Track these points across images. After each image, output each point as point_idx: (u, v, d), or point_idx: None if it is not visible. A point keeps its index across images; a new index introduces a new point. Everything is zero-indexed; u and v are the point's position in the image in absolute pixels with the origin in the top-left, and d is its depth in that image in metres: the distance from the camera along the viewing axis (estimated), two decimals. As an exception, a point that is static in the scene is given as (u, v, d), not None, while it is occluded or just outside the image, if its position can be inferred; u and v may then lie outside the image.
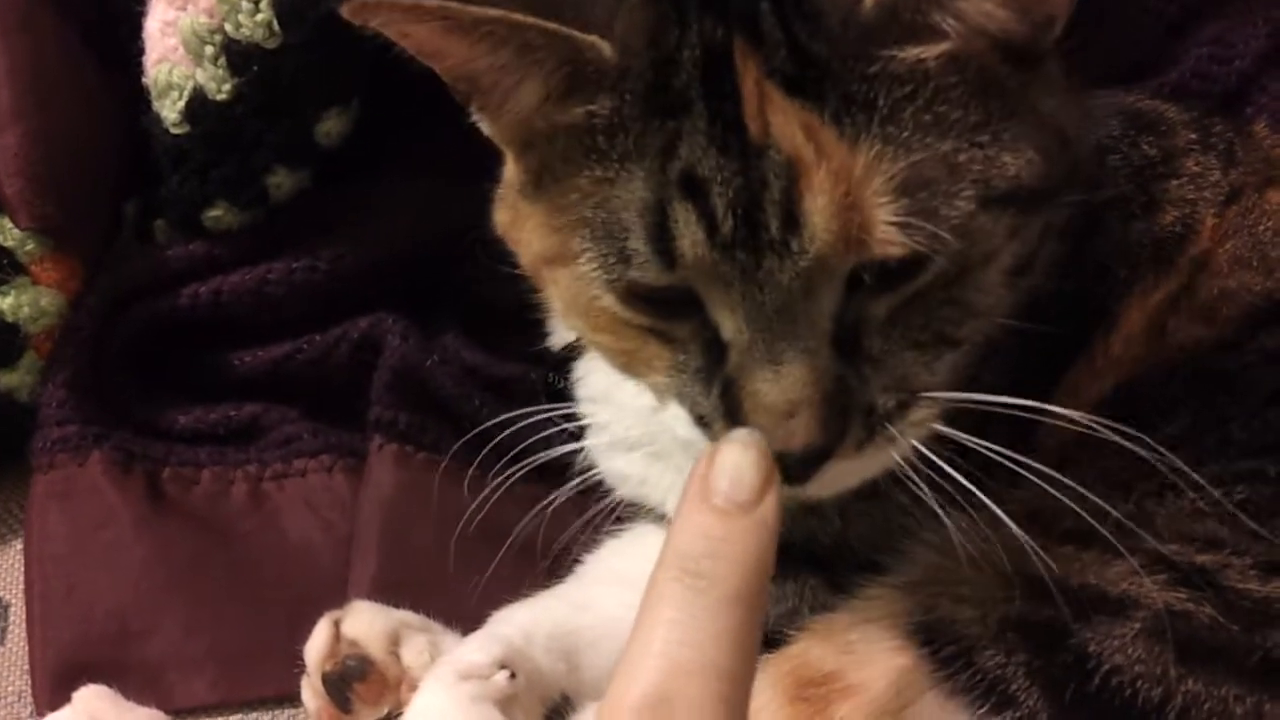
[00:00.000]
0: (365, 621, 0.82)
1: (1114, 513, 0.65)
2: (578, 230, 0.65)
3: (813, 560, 0.79)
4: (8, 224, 1.00)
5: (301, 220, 1.03)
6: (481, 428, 0.95)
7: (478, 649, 0.78)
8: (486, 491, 0.92)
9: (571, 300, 0.69)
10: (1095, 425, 0.66)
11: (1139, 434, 0.65)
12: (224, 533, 0.97)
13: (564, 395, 0.90)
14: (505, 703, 0.75)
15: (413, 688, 0.78)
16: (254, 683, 0.89)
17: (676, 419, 0.68)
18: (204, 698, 0.89)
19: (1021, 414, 0.67)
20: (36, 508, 0.96)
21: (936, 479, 0.66)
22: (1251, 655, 0.61)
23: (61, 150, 1.00)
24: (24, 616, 0.93)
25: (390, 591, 0.87)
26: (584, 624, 0.84)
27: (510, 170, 0.73)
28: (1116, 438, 0.66)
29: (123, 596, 0.92)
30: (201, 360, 1.04)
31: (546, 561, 0.91)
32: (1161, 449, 0.65)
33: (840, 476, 0.66)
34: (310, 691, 0.82)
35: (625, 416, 0.86)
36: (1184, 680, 0.60)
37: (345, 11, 0.63)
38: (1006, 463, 0.65)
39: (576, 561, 0.91)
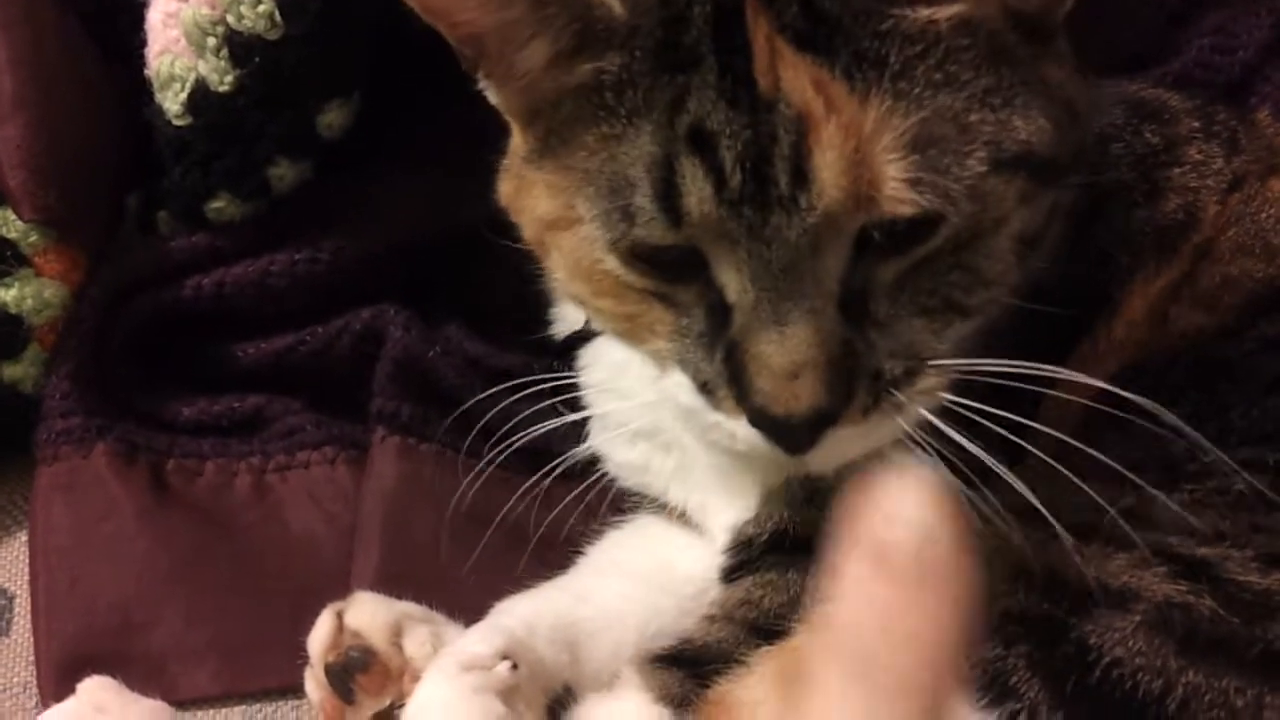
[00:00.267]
0: (368, 613, 0.82)
1: (1109, 510, 0.65)
2: (582, 190, 0.65)
3: (813, 550, 0.79)
4: (11, 216, 1.00)
5: (304, 212, 1.03)
6: (485, 420, 0.95)
7: (480, 640, 0.78)
8: (487, 482, 0.92)
9: (574, 265, 0.69)
10: (1105, 400, 0.66)
11: (1153, 408, 0.65)
12: (227, 524, 0.97)
13: (567, 385, 0.90)
14: (507, 694, 0.75)
15: (415, 679, 0.78)
16: (257, 674, 0.90)
17: (679, 386, 0.68)
18: (207, 689, 0.90)
19: (1024, 395, 0.66)
20: (41, 499, 0.96)
21: (946, 454, 0.65)
22: (1252, 647, 0.61)
23: (64, 142, 1.00)
24: (29, 608, 0.93)
25: (393, 583, 0.87)
26: (586, 615, 0.84)
27: (515, 140, 0.73)
28: (1135, 401, 0.65)
29: (126, 588, 0.92)
30: (204, 352, 1.04)
31: (552, 553, 0.91)
32: (1182, 424, 0.65)
33: (844, 445, 0.65)
34: (313, 682, 0.82)
35: (630, 404, 0.86)
36: (1184, 672, 0.60)
37: None
38: (1013, 438, 0.65)
39: (578, 553, 0.92)
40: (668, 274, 0.66)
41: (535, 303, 0.95)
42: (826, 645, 0.44)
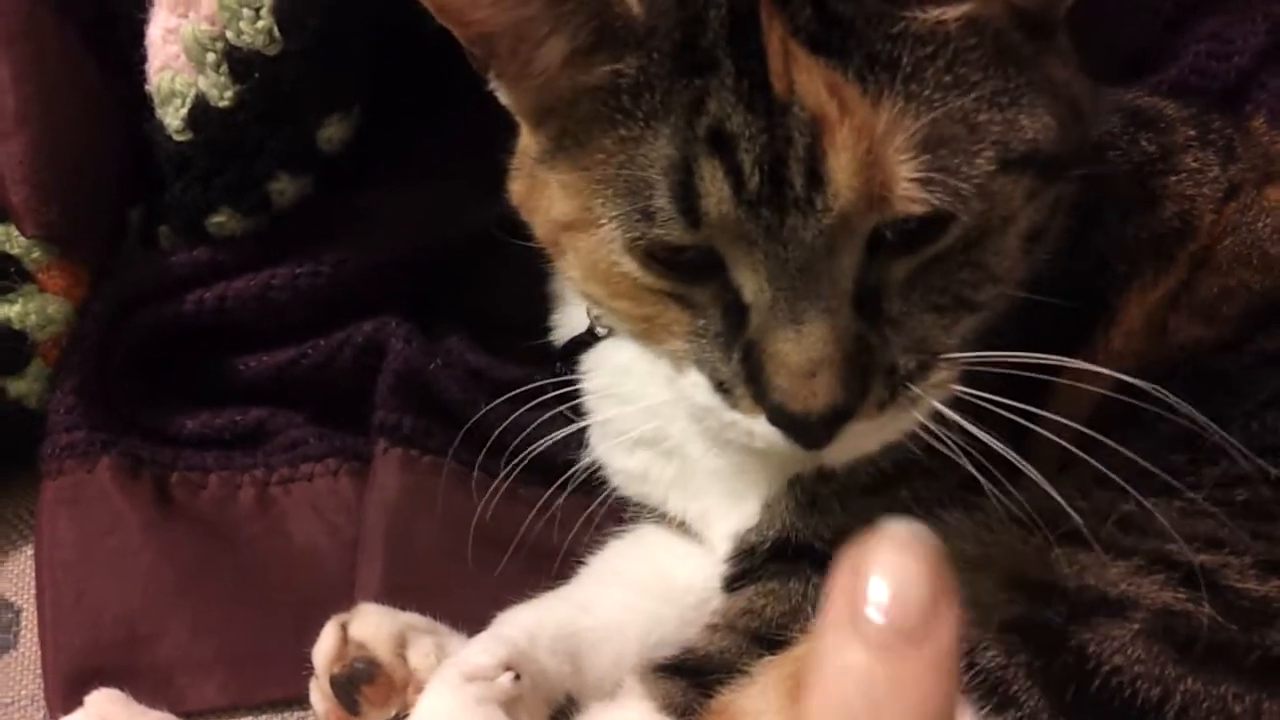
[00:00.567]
0: (372, 624, 0.83)
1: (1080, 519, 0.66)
2: (600, 192, 0.65)
3: (815, 557, 0.79)
4: (13, 232, 1.00)
5: (304, 226, 1.03)
6: (488, 432, 0.96)
7: (482, 651, 0.78)
8: (491, 493, 0.93)
9: (590, 267, 0.69)
10: (1103, 409, 0.67)
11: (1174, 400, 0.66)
12: (231, 537, 0.97)
13: (569, 394, 0.90)
14: (510, 704, 0.75)
15: (419, 689, 0.79)
16: (262, 685, 0.90)
17: (695, 386, 0.68)
18: (213, 701, 0.90)
19: (1030, 393, 0.67)
20: (46, 514, 0.96)
21: (960, 444, 0.66)
22: (1250, 654, 0.61)
23: (66, 157, 1.01)
24: (35, 621, 0.93)
25: (396, 594, 0.88)
26: (588, 625, 0.85)
27: (526, 140, 0.73)
28: (1165, 397, 0.66)
29: (132, 601, 0.92)
30: (207, 365, 1.05)
31: (554, 563, 0.92)
32: (1211, 424, 0.66)
33: (860, 439, 0.66)
34: (318, 694, 0.82)
35: (632, 411, 0.87)
36: (1183, 680, 0.61)
37: None
38: (1025, 424, 0.66)
39: (580, 563, 0.92)
40: (685, 275, 0.66)
41: (536, 312, 0.96)
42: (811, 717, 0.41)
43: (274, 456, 1.01)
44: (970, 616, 0.66)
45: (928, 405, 0.66)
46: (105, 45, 1.05)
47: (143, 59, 1.00)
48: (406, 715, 0.78)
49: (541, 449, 0.91)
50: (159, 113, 1.00)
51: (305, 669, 0.83)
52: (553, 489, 0.90)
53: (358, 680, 0.81)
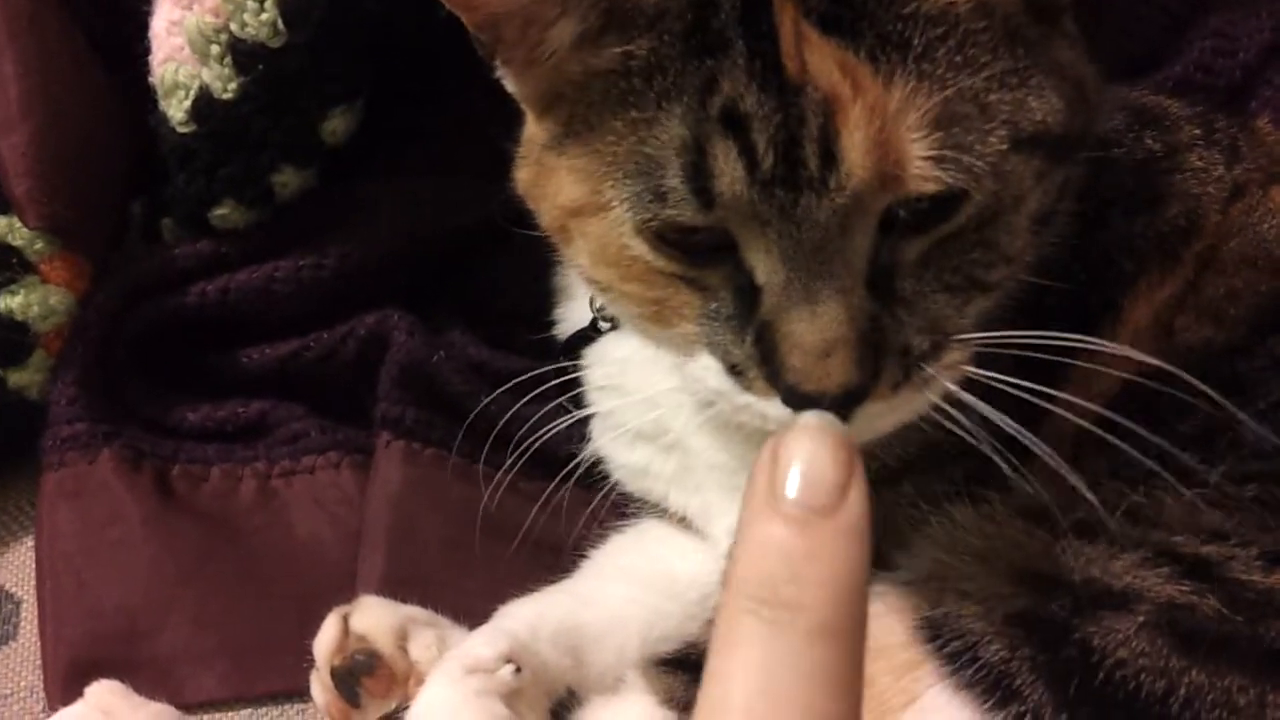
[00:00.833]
0: (373, 616, 0.83)
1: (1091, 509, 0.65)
2: (611, 175, 0.65)
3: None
4: (16, 223, 1.00)
5: (308, 218, 1.03)
6: (491, 424, 0.96)
7: (484, 643, 0.78)
8: (493, 486, 0.92)
9: (600, 251, 0.69)
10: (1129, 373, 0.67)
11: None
12: (233, 529, 0.97)
13: (572, 386, 0.90)
14: (510, 696, 0.75)
15: (420, 682, 0.79)
16: (263, 678, 0.90)
17: (706, 369, 0.68)
18: (214, 693, 0.90)
19: (1032, 398, 0.67)
20: (46, 505, 0.96)
21: (971, 429, 0.66)
22: (1255, 646, 0.61)
23: (69, 150, 1.01)
24: (35, 613, 0.93)
25: (398, 587, 0.88)
26: (589, 619, 0.85)
27: (532, 129, 0.73)
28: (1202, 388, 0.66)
29: (132, 593, 0.92)
30: (209, 358, 1.04)
31: (555, 556, 0.91)
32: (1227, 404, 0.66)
33: (875, 420, 0.65)
34: (319, 686, 0.82)
35: (633, 405, 0.87)
36: (1187, 672, 0.60)
37: None
38: (1042, 404, 0.66)
39: (582, 557, 0.92)
40: (696, 257, 0.66)
41: (538, 305, 0.96)
42: (733, 596, 0.44)
43: (276, 449, 1.01)
44: (974, 610, 0.66)
45: (941, 386, 0.66)
46: (109, 38, 1.05)
47: (146, 51, 1.00)
48: (407, 707, 0.78)
49: (543, 442, 0.91)
50: (162, 105, 1.00)
51: (306, 661, 0.83)
52: (555, 482, 0.90)
53: (358, 672, 0.81)
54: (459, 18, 0.68)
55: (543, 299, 0.96)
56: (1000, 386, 0.66)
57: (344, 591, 0.88)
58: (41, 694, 0.90)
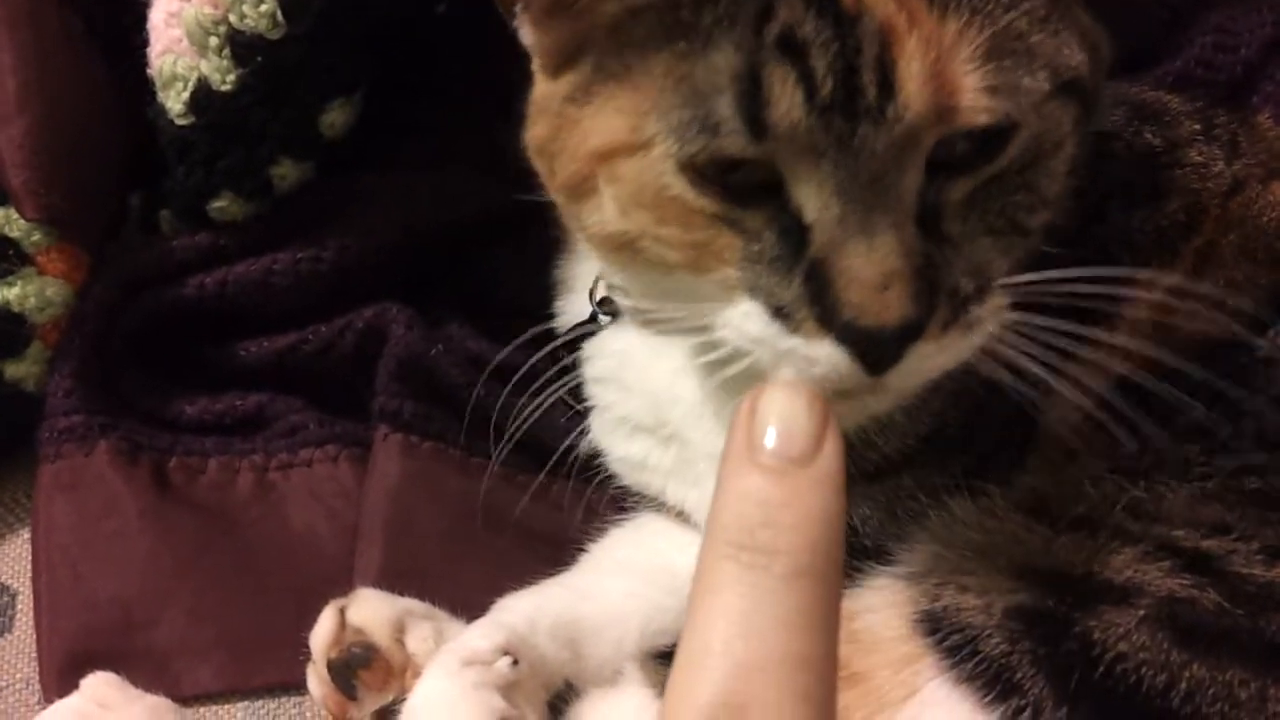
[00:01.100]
0: (370, 609, 0.83)
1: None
2: (655, 110, 0.64)
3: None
4: (14, 215, 1.00)
5: (306, 211, 1.03)
6: (488, 416, 0.95)
7: (481, 636, 0.78)
8: (490, 479, 0.92)
9: (636, 193, 0.67)
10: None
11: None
12: (230, 522, 0.97)
13: (571, 380, 0.90)
14: (508, 689, 0.75)
15: (417, 674, 0.78)
16: (260, 670, 0.89)
17: (747, 315, 0.65)
18: (210, 685, 0.89)
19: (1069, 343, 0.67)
20: (43, 497, 0.96)
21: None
22: (1256, 640, 0.61)
23: (67, 141, 1.00)
24: (31, 605, 0.93)
25: (396, 579, 0.87)
26: (587, 612, 0.84)
27: (546, 86, 0.72)
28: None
29: (129, 585, 0.92)
30: (207, 350, 1.04)
31: (554, 550, 0.91)
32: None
33: (924, 361, 0.63)
34: (316, 679, 0.82)
35: (632, 398, 0.86)
36: (1188, 666, 0.61)
37: None
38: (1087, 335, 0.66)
39: (581, 550, 0.92)
40: (736, 198, 0.65)
41: (537, 298, 0.96)
42: (712, 544, 0.46)
43: (273, 442, 1.00)
44: (974, 604, 0.66)
45: (986, 330, 0.65)
46: (107, 29, 1.05)
47: (144, 43, 1.00)
48: (404, 700, 0.78)
49: (542, 435, 0.91)
50: (160, 97, 1.00)
51: (303, 654, 0.83)
52: (547, 472, 0.89)
53: (355, 665, 0.80)
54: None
55: (541, 292, 0.96)
56: (990, 394, 0.66)
57: (341, 584, 0.88)
58: (37, 686, 0.90)
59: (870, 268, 0.61)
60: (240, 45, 0.94)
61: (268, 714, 0.89)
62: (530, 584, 0.86)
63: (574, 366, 0.90)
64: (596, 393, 0.89)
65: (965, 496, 0.73)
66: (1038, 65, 0.63)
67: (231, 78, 0.96)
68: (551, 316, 0.94)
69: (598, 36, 0.67)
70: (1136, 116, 0.85)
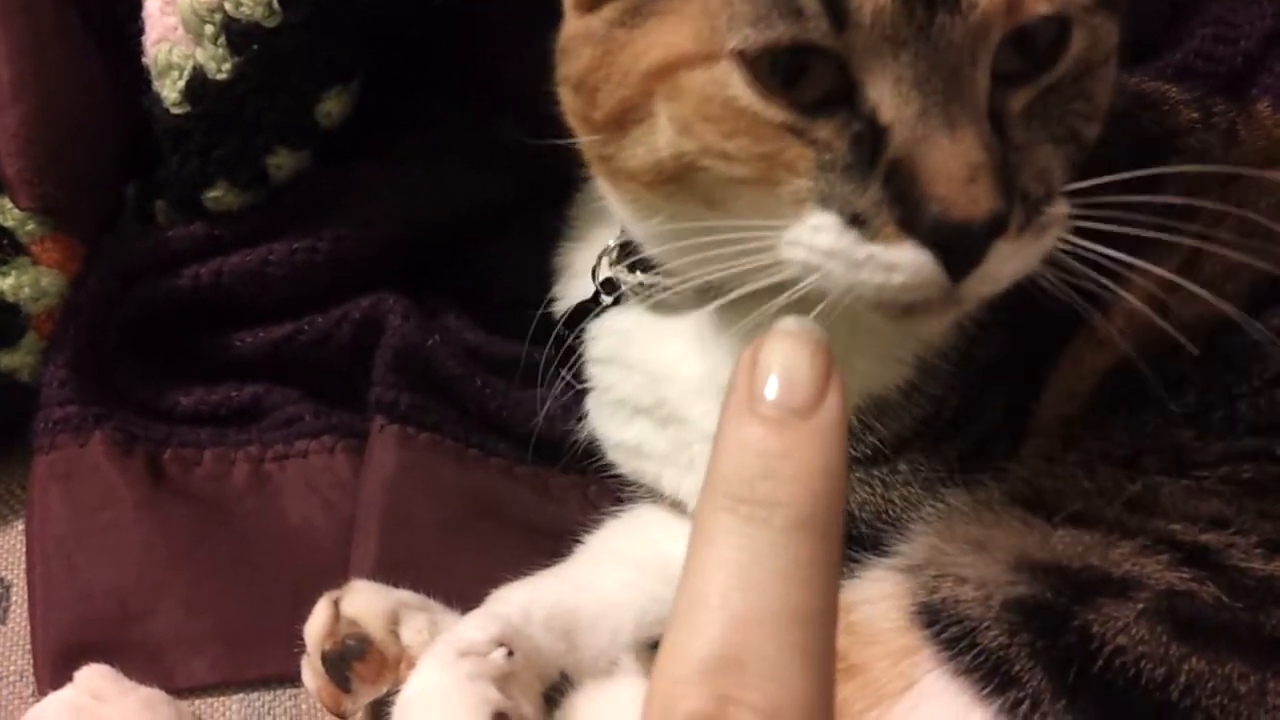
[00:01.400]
0: (364, 601, 0.82)
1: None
2: (726, 8, 0.63)
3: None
4: (8, 204, 0.99)
5: (302, 201, 1.02)
6: (490, 411, 0.95)
7: (476, 627, 0.78)
8: (487, 470, 0.92)
9: (702, 105, 0.66)
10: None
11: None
12: (225, 513, 0.96)
13: (569, 363, 0.89)
14: (503, 680, 0.75)
15: (412, 666, 0.78)
16: (255, 662, 0.89)
17: (817, 229, 0.64)
18: (205, 677, 0.89)
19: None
20: (38, 488, 0.95)
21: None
22: (1255, 634, 0.61)
23: (62, 131, 1.00)
24: (25, 597, 0.93)
25: (391, 571, 0.87)
26: (583, 603, 0.84)
27: (582, 22, 0.71)
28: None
29: (124, 577, 0.91)
30: (202, 341, 1.04)
31: (550, 541, 0.91)
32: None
33: (1002, 263, 0.63)
34: (310, 671, 0.82)
35: (633, 378, 0.86)
36: (1187, 659, 0.60)
37: None
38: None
39: (577, 541, 0.91)
40: (804, 107, 0.64)
41: (534, 289, 0.95)
42: (710, 495, 0.45)
43: (269, 433, 1.00)
44: (972, 596, 0.66)
45: (1055, 234, 0.65)
46: (102, 18, 1.05)
47: (140, 32, 1.00)
48: (399, 691, 0.77)
49: (538, 426, 0.91)
50: (156, 85, 0.99)
51: (297, 646, 0.82)
52: (544, 464, 0.89)
53: (349, 657, 0.80)
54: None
55: (539, 283, 0.96)
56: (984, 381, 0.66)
57: (337, 576, 0.87)
58: (31, 678, 0.90)
59: (956, 159, 0.60)
60: (236, 33, 0.94)
61: (262, 706, 0.89)
62: (526, 575, 0.86)
63: (571, 358, 0.89)
64: (597, 373, 0.89)
65: (961, 488, 0.73)
66: None
67: (227, 66, 0.95)
68: (550, 302, 0.94)
69: None
70: (1135, 105, 0.85)
